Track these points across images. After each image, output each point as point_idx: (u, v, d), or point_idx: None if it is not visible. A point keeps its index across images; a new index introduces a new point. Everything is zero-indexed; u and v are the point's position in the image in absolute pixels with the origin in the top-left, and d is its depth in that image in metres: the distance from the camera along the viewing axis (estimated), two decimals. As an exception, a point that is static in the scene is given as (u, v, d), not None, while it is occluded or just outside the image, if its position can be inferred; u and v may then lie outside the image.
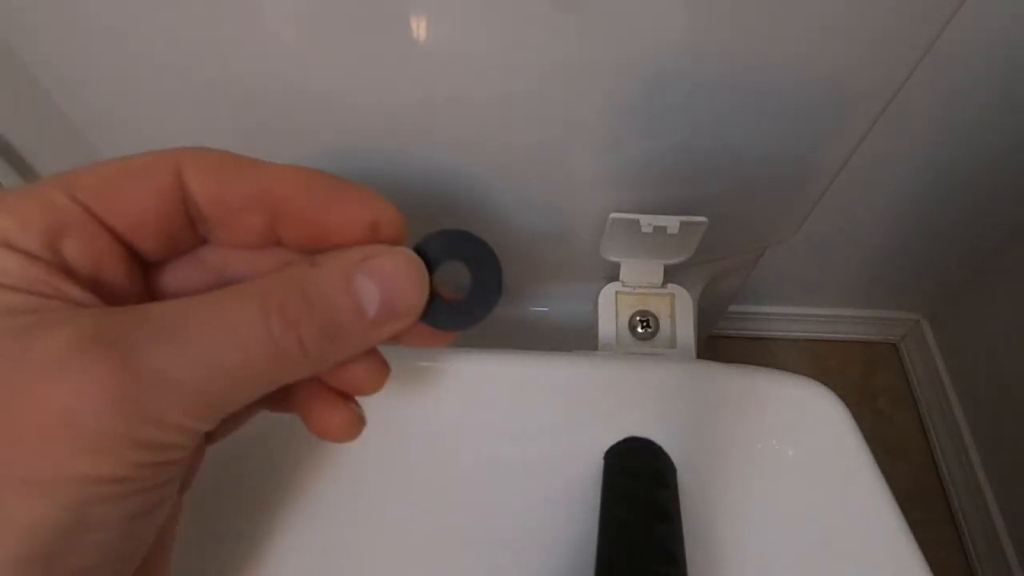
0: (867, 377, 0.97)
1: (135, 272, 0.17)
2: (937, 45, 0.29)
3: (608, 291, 0.40)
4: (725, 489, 0.31)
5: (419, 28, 0.27)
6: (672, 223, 0.35)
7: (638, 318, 0.40)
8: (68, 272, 0.15)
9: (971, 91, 0.59)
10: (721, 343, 0.98)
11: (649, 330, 0.40)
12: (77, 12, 0.27)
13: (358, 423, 0.20)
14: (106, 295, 0.16)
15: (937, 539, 0.85)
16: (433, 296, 0.18)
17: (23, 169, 0.67)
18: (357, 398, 0.20)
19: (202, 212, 0.17)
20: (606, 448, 0.30)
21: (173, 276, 0.18)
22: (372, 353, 0.19)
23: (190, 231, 0.18)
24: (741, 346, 0.98)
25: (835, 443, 0.32)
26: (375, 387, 0.20)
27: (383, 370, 0.20)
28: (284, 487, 0.30)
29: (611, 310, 0.40)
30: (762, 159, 0.35)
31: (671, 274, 0.40)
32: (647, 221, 0.35)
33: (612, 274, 0.41)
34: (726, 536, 0.30)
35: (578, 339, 0.47)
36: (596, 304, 0.40)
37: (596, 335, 0.40)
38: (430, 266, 0.18)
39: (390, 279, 0.17)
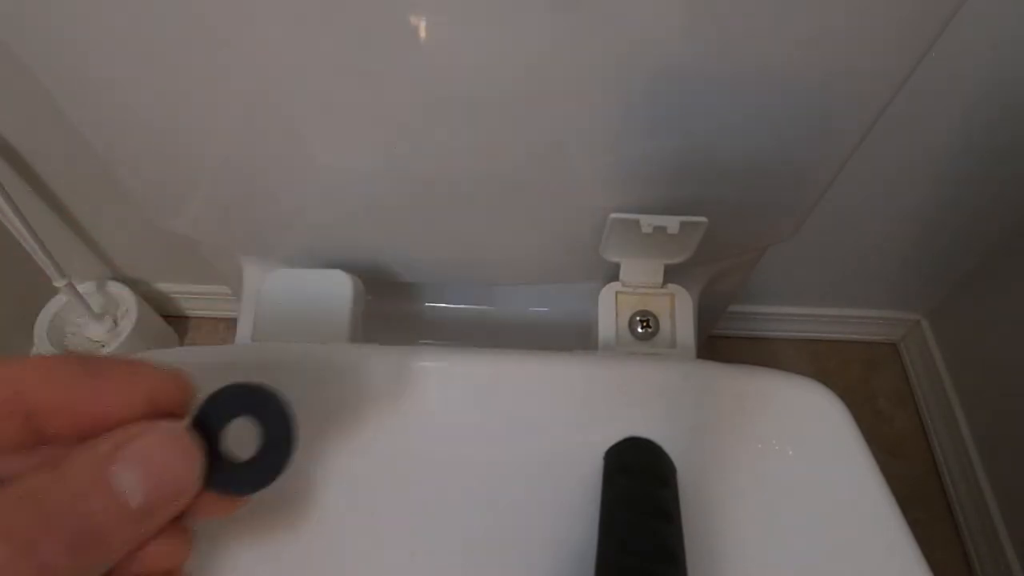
0: (867, 377, 0.97)
1: None
2: (936, 46, 0.29)
3: (608, 291, 0.40)
4: (725, 489, 0.31)
5: (418, 29, 0.27)
6: (672, 223, 0.35)
7: (638, 318, 0.40)
8: None
9: (971, 92, 0.59)
10: (721, 343, 0.98)
11: (649, 330, 0.40)
12: (78, 12, 0.27)
13: None
14: None
15: (937, 539, 0.85)
16: (219, 460, 0.16)
17: (22, 169, 0.67)
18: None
19: None
20: (606, 448, 0.30)
21: None
22: (170, 526, 0.16)
23: None
24: (741, 346, 0.98)
25: (835, 443, 0.32)
26: (177, 562, 0.17)
27: (185, 539, 0.17)
28: (283, 488, 0.30)
29: (611, 310, 0.40)
30: (762, 159, 0.35)
31: (671, 274, 0.40)
32: (647, 221, 0.35)
33: (612, 274, 0.41)
34: (726, 536, 0.29)
35: (578, 339, 0.47)
36: (596, 304, 0.40)
37: (596, 335, 0.40)
38: (215, 428, 0.16)
39: (153, 460, 0.15)
